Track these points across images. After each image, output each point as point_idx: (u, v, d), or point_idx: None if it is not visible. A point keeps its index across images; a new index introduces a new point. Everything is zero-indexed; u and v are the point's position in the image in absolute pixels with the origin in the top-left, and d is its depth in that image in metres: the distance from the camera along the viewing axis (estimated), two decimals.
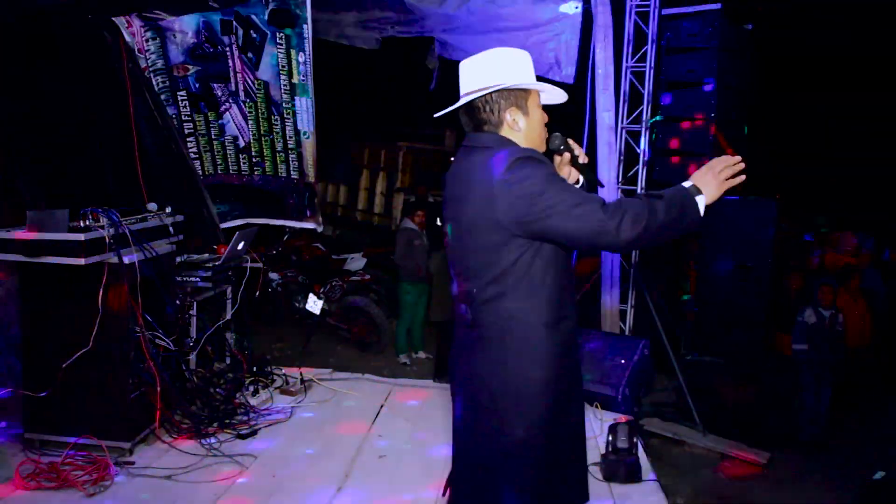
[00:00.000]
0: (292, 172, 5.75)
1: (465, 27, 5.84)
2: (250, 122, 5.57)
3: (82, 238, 3.56)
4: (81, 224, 3.66)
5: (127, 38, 4.92)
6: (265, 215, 5.86)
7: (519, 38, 5.71)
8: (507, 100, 2.02)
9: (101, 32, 4.72)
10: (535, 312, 1.94)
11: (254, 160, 5.75)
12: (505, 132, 2.03)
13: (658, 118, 6.03)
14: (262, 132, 5.61)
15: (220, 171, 5.77)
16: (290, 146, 5.64)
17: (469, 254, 2.00)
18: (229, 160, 5.76)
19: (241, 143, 5.68)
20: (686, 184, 1.93)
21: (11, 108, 4.38)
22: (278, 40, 5.20)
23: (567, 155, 2.12)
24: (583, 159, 2.14)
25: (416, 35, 6.06)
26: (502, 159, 1.89)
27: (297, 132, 5.56)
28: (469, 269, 2.01)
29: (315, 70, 5.26)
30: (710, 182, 1.92)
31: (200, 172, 5.62)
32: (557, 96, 2.13)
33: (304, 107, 5.44)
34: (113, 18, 4.79)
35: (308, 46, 5.19)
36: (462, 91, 2.07)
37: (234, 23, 5.17)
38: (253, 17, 5.15)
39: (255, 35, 5.21)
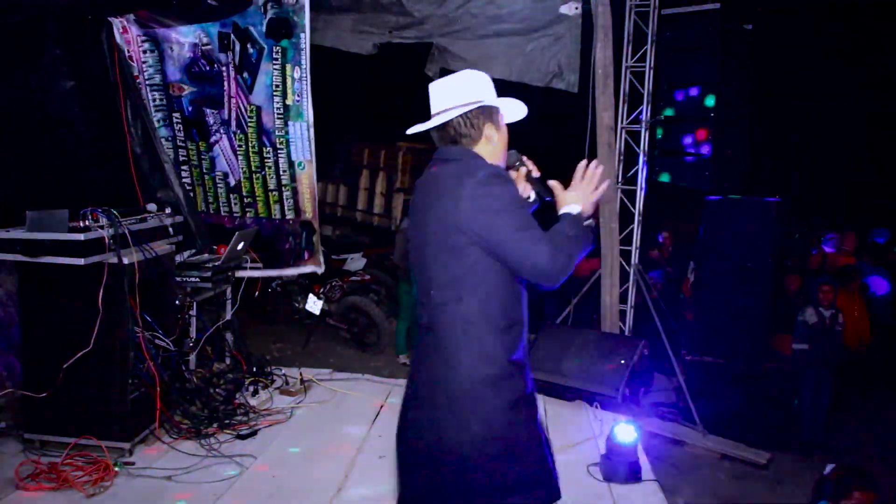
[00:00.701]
0: (287, 212, 5.52)
1: (465, 30, 5.84)
2: (240, 157, 5.43)
3: (82, 238, 3.56)
4: (81, 224, 3.66)
5: (118, 39, 4.90)
6: (258, 264, 5.38)
7: (520, 43, 5.72)
8: (486, 115, 2.13)
9: (96, 32, 4.71)
10: (488, 317, 2.00)
11: (245, 200, 5.57)
12: (480, 147, 2.13)
13: (659, 118, 6.03)
14: (252, 168, 5.43)
15: (212, 211, 5.66)
16: (283, 182, 5.42)
17: (431, 258, 2.05)
18: (220, 199, 5.64)
19: (232, 182, 5.54)
20: (573, 209, 2.07)
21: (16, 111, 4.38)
22: (274, 55, 5.11)
23: (523, 170, 2.24)
24: (535, 174, 2.25)
25: (414, 41, 6.05)
26: (475, 171, 1.98)
27: (290, 164, 5.36)
28: (429, 274, 2.06)
29: (315, 70, 5.19)
30: (587, 198, 2.10)
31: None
32: (519, 112, 2.25)
33: (299, 133, 5.26)
34: (109, 19, 4.78)
35: (305, 60, 5.08)
36: (436, 109, 2.16)
37: (232, 36, 5.13)
38: (251, 28, 5.11)
39: (252, 50, 5.14)
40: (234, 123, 5.36)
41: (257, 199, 5.55)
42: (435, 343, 2.05)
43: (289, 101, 5.21)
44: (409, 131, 2.27)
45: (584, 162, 2.16)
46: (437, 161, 2.17)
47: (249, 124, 5.32)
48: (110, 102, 4.80)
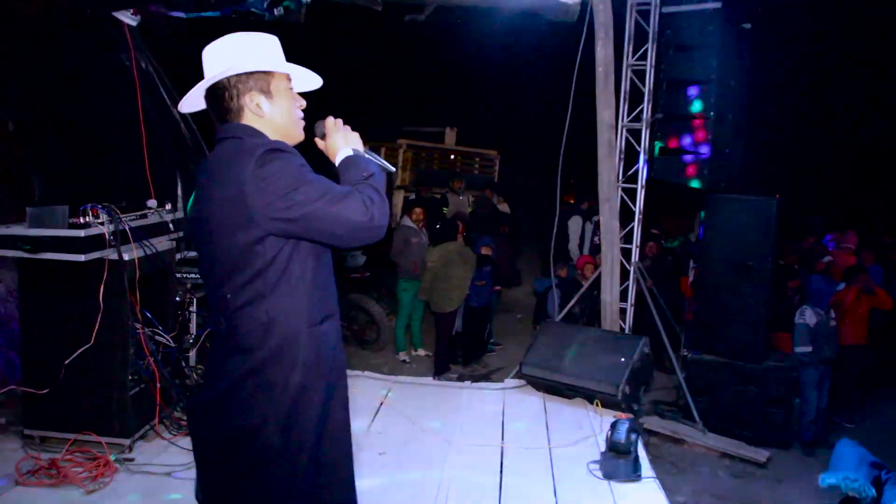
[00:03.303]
0: None
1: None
2: None
3: (82, 234, 3.55)
4: (81, 220, 3.65)
5: (132, 21, 4.87)
6: None
7: None
8: (244, 84, 1.88)
9: (107, 26, 4.71)
10: (296, 313, 1.82)
11: None
12: (249, 120, 1.90)
13: (658, 116, 6.03)
14: None
15: None
16: None
17: (220, 256, 1.82)
18: None
19: None
20: (347, 152, 1.96)
21: (28, 102, 4.38)
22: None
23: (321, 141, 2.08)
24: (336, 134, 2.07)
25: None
26: (249, 153, 1.75)
27: None
28: (221, 273, 1.83)
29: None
30: (349, 138, 2.01)
31: None
32: (312, 82, 2.06)
33: None
34: (115, 14, 4.76)
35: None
36: (206, 77, 1.93)
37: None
38: (253, 10, 5.09)
39: None
40: None
41: None
42: (234, 347, 1.83)
43: None
44: (181, 109, 2.05)
45: (328, 118, 2.05)
46: (217, 141, 1.92)
47: None
48: (130, 97, 4.79)
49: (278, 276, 1.79)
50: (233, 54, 1.89)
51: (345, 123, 2.07)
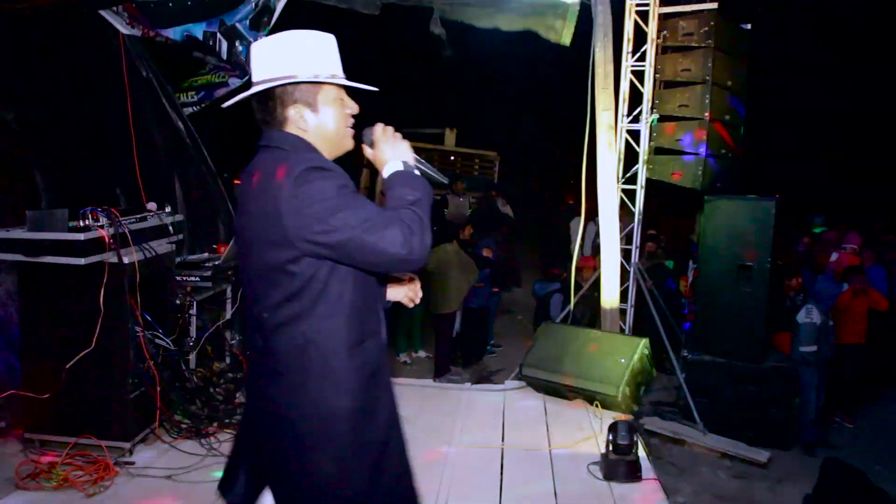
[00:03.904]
0: None
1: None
2: None
3: (82, 238, 3.56)
4: (81, 224, 3.65)
5: (134, 32, 4.88)
6: None
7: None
8: (290, 95, 1.79)
9: (108, 34, 4.72)
10: (335, 334, 1.74)
11: None
12: (294, 130, 1.82)
13: (655, 118, 6.03)
14: None
15: None
16: None
17: (257, 274, 1.76)
18: None
19: None
20: (395, 166, 1.83)
21: (33, 106, 4.40)
22: None
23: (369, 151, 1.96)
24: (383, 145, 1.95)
25: (416, 3, 5.92)
26: (290, 169, 1.66)
27: None
28: (257, 291, 1.77)
29: None
30: (398, 149, 1.87)
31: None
32: (364, 86, 1.92)
33: None
34: (110, 19, 4.77)
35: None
36: (254, 79, 1.84)
37: (218, 34, 5.12)
38: (238, 25, 5.10)
39: (241, 47, 5.14)
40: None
41: None
42: (273, 368, 1.76)
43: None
44: (225, 105, 1.96)
45: (377, 125, 1.92)
46: (259, 148, 1.85)
47: None
48: (118, 99, 4.81)
49: (315, 297, 1.71)
50: (283, 58, 1.79)
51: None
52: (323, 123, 1.83)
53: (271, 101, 1.80)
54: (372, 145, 1.92)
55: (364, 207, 1.67)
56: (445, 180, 2.04)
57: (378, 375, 1.83)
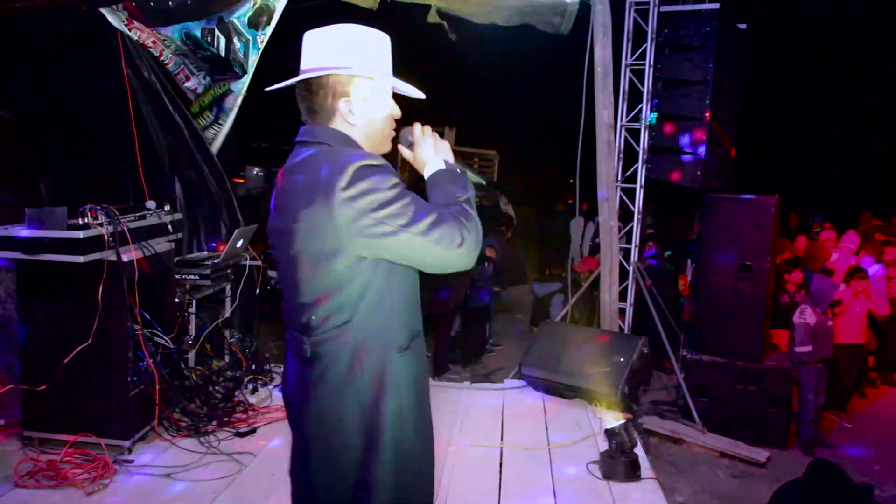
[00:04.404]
0: None
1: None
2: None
3: (81, 236, 3.55)
4: (80, 222, 3.65)
5: (131, 35, 4.88)
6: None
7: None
8: (343, 87, 1.73)
9: (102, 30, 4.71)
10: (385, 337, 1.71)
11: None
12: (339, 124, 1.76)
13: (653, 117, 6.03)
14: None
15: None
16: None
17: (304, 277, 1.69)
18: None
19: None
20: (438, 165, 1.81)
21: (35, 106, 4.40)
22: (259, 44, 5.15)
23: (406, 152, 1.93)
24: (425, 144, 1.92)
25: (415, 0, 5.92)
26: (341, 165, 1.61)
27: None
28: (303, 295, 1.70)
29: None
30: (440, 149, 1.85)
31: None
32: (412, 90, 1.89)
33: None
34: (110, 19, 4.76)
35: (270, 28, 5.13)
36: (303, 67, 1.77)
37: (216, 31, 5.12)
38: (236, 21, 5.11)
39: (239, 44, 5.15)
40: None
41: None
42: (322, 375, 1.72)
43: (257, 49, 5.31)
44: (268, 89, 1.92)
45: (416, 125, 1.88)
46: (298, 143, 1.79)
47: None
48: (119, 99, 4.81)
49: (367, 299, 1.67)
50: (339, 49, 1.72)
51: None
52: (371, 122, 1.78)
53: (322, 89, 1.73)
54: (411, 146, 1.88)
55: (417, 205, 1.63)
56: (484, 181, 2.02)
57: (423, 373, 1.83)
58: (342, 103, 1.74)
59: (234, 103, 5.47)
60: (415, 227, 1.59)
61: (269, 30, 5.11)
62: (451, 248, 1.62)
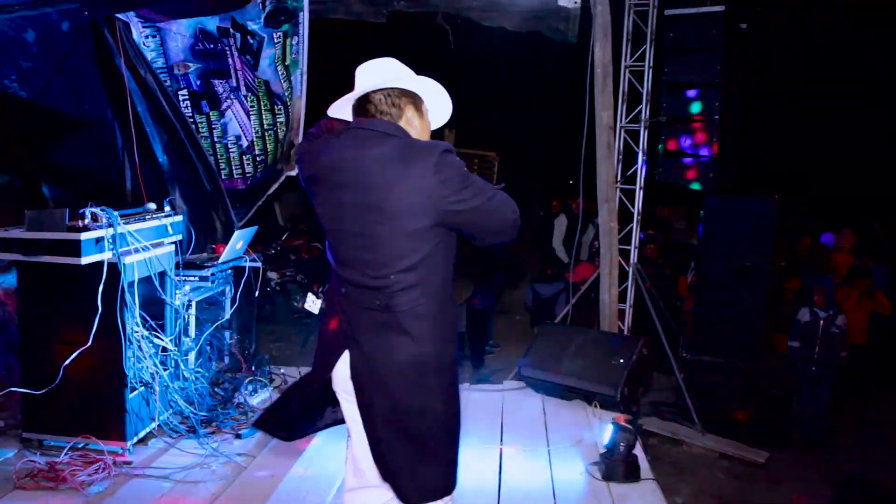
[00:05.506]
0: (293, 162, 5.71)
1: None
2: (252, 117, 5.53)
3: (80, 237, 3.55)
4: (79, 223, 3.65)
5: (134, 35, 4.88)
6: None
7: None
8: (406, 98, 2.17)
9: (102, 31, 4.72)
10: (444, 292, 2.12)
11: (257, 158, 5.69)
12: (403, 125, 2.16)
13: (662, 118, 6.01)
14: (265, 127, 5.59)
15: (224, 177, 5.69)
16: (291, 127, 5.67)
17: (386, 240, 2.04)
18: (233, 164, 5.66)
19: (244, 143, 5.60)
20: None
21: (35, 106, 4.40)
22: (276, 39, 5.19)
23: None
24: None
25: (421, 9, 5.98)
26: (429, 149, 2.01)
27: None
28: (385, 256, 2.05)
29: (314, 69, 5.25)
30: None
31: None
32: (442, 117, 2.33)
33: (299, 80, 5.53)
34: (116, 16, 4.76)
35: (303, 30, 5.22)
36: (360, 88, 2.17)
37: (231, 28, 5.15)
38: (249, 23, 5.14)
39: (252, 41, 5.19)
40: (244, 88, 5.45)
41: (268, 153, 5.68)
42: (393, 322, 2.06)
43: (287, 62, 5.40)
44: (331, 109, 2.28)
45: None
46: (355, 130, 2.14)
47: (260, 90, 5.47)
48: (119, 100, 4.81)
49: (436, 260, 2.06)
50: (402, 74, 2.18)
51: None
52: (423, 129, 2.22)
53: (406, 97, 2.16)
54: None
55: (484, 182, 2.06)
56: (500, 187, 2.32)
57: (455, 332, 2.27)
58: (409, 112, 2.18)
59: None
60: (485, 197, 2.03)
61: (289, 27, 5.18)
62: (513, 215, 2.08)
